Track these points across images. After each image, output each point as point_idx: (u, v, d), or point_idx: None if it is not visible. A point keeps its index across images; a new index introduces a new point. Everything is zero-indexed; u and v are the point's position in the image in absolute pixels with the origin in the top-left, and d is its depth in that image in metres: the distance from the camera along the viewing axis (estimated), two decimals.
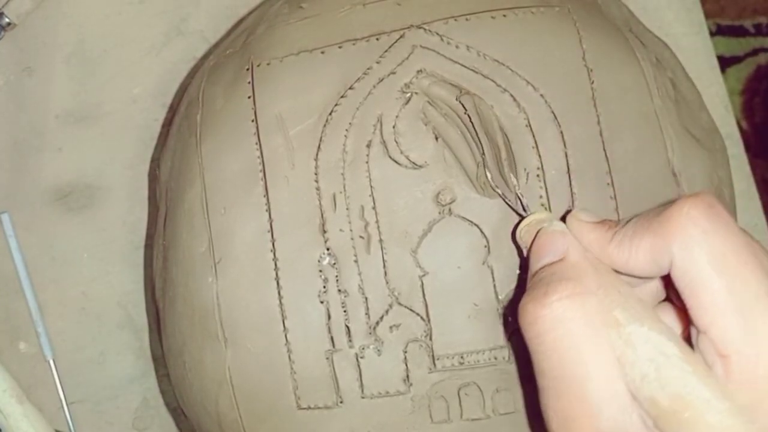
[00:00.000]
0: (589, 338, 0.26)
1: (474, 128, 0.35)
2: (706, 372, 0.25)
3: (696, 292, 0.26)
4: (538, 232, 0.31)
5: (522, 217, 0.33)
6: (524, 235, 0.32)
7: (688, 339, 0.27)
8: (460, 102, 0.35)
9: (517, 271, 0.35)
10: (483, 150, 0.35)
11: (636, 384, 0.25)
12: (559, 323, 0.27)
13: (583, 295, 0.27)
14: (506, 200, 0.35)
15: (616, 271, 0.29)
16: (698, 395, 0.24)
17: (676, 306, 0.29)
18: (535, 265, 0.30)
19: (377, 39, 0.37)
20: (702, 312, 0.25)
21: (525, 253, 0.32)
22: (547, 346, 0.27)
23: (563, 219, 0.32)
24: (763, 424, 0.24)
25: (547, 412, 0.28)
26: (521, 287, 0.35)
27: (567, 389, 0.27)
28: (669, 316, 0.29)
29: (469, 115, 0.35)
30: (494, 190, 0.35)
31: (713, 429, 0.24)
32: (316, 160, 0.36)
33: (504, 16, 0.37)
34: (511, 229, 0.35)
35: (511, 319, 0.35)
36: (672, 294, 0.28)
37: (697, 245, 0.26)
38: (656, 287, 0.30)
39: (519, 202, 0.34)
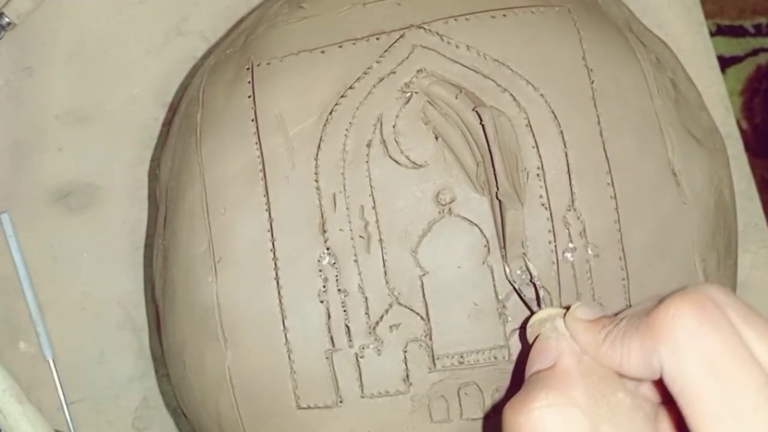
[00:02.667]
0: None
1: (487, 142, 0.35)
2: None
3: (689, 400, 0.24)
4: (537, 336, 0.31)
5: (532, 312, 0.33)
6: (530, 336, 0.32)
7: None
8: (476, 113, 0.35)
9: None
10: (495, 170, 0.35)
11: None
12: None
13: (564, 405, 0.26)
14: (521, 295, 0.35)
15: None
16: None
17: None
18: (527, 371, 0.30)
19: (377, 39, 0.37)
20: (697, 421, 0.24)
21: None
22: None
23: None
24: None
25: None
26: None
27: None
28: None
29: (483, 126, 0.35)
30: (511, 283, 0.35)
31: None
32: (316, 159, 0.36)
33: (504, 15, 0.37)
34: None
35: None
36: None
37: (686, 349, 0.25)
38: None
39: (535, 294, 0.34)
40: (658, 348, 0.25)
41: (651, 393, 0.29)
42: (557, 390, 0.27)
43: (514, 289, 0.35)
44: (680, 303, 0.25)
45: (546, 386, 0.27)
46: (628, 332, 0.27)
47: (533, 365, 0.29)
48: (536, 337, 0.31)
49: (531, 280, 0.35)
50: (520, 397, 0.27)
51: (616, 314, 0.29)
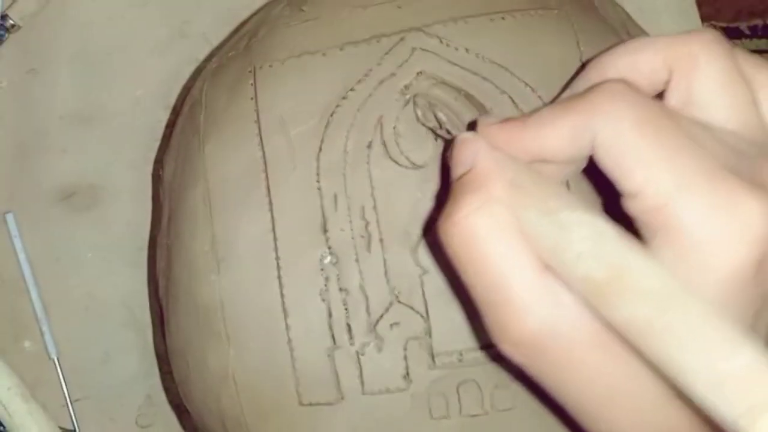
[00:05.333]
0: (504, 245, 0.26)
1: None
2: (641, 246, 0.24)
3: (621, 159, 0.25)
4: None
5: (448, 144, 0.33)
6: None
7: None
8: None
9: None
10: None
11: (571, 266, 0.25)
12: (471, 238, 0.26)
13: (490, 203, 0.26)
14: (435, 131, 0.35)
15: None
16: (632, 263, 0.23)
17: None
18: (452, 179, 0.29)
19: (378, 41, 0.37)
20: (634, 174, 0.25)
21: None
22: (465, 263, 0.27)
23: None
24: (693, 279, 0.24)
25: (487, 327, 0.27)
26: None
27: (494, 300, 0.26)
28: None
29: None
30: (423, 124, 0.35)
31: (646, 294, 0.23)
32: (317, 160, 0.36)
33: (503, 18, 0.38)
34: None
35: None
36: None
37: (623, 114, 0.25)
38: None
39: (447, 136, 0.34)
40: (593, 120, 0.26)
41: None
42: (478, 191, 0.27)
43: (427, 127, 0.35)
44: (614, 83, 0.26)
45: (466, 190, 0.27)
46: (556, 113, 0.27)
47: (455, 171, 0.29)
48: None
49: (438, 121, 0.35)
50: (447, 210, 0.27)
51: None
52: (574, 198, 0.26)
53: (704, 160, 0.24)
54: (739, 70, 0.28)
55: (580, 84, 0.30)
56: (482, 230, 0.26)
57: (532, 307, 0.26)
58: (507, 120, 0.29)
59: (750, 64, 0.29)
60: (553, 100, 0.35)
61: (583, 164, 0.29)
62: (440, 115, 0.35)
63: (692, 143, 0.25)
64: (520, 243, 0.26)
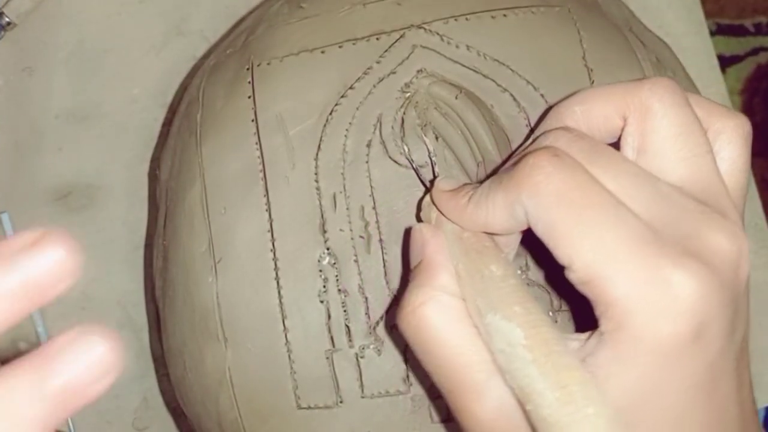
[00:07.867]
0: (454, 333, 0.27)
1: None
2: (546, 357, 0.25)
3: (549, 232, 0.26)
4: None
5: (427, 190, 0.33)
6: (424, 219, 0.33)
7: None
8: (479, 113, 0.35)
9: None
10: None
11: (501, 371, 0.26)
12: (423, 329, 0.28)
13: (438, 295, 0.28)
14: (418, 174, 0.35)
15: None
16: (534, 387, 0.24)
17: None
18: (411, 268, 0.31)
19: (377, 39, 0.37)
20: (561, 250, 0.25)
21: None
22: (421, 352, 0.28)
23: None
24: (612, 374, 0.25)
25: (454, 413, 0.28)
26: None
27: (451, 387, 0.27)
28: None
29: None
30: (410, 161, 0.35)
31: (547, 423, 0.24)
32: (316, 159, 0.36)
33: (504, 15, 0.37)
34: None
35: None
36: None
37: (544, 188, 0.26)
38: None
39: (431, 168, 0.35)
40: (521, 196, 0.26)
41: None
42: (425, 285, 0.28)
43: (412, 167, 0.35)
44: (537, 153, 0.26)
45: (416, 284, 0.28)
46: (492, 188, 0.28)
47: (411, 262, 0.30)
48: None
49: (429, 156, 0.35)
50: (402, 302, 0.28)
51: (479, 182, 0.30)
52: (503, 292, 0.26)
53: (629, 230, 0.25)
54: (695, 118, 0.28)
55: (540, 130, 0.30)
56: (431, 321, 0.27)
57: (485, 390, 0.27)
58: (457, 190, 0.30)
59: (706, 110, 0.29)
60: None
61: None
62: (427, 140, 0.35)
63: (617, 212, 0.25)
64: (470, 328, 0.27)
